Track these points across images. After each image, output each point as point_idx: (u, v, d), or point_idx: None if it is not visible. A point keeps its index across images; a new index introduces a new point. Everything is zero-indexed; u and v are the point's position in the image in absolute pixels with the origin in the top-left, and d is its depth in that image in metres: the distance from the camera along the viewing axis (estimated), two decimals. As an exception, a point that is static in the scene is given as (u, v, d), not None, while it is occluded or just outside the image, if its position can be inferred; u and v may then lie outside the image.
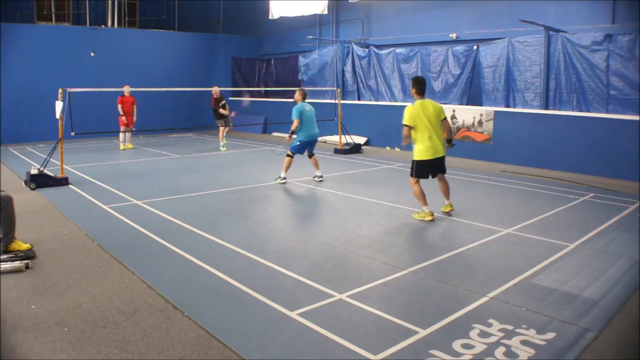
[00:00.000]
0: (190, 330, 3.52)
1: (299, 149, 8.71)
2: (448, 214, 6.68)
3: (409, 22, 14.79)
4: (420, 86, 6.44)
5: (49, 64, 15.21)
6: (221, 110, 13.39)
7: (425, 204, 6.40)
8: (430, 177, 6.56)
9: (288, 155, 8.69)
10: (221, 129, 13.57)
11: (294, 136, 8.62)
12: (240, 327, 3.57)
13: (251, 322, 3.64)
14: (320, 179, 8.91)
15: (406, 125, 6.31)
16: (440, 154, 6.43)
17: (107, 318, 3.68)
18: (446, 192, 6.72)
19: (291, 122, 8.55)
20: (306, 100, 8.77)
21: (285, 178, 8.73)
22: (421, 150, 6.34)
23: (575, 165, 10.29)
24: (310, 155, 8.93)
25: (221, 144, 13.48)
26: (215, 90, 13.41)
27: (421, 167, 6.43)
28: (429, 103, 6.38)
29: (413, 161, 6.48)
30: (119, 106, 13.00)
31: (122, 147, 13.23)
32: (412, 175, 6.50)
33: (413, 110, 6.30)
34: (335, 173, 9.55)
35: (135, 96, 13.39)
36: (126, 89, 12.93)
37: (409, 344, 3.32)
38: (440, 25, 13.93)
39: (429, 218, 6.35)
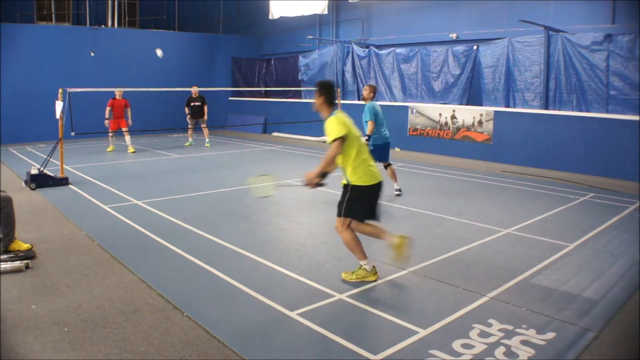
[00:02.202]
0: (190, 330, 3.52)
1: (375, 156, 6.80)
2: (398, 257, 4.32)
3: (409, 22, 14.79)
4: (330, 94, 4.30)
5: (49, 64, 15.20)
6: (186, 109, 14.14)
7: (364, 256, 4.33)
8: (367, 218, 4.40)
9: None
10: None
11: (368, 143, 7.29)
12: (240, 327, 3.57)
13: (251, 322, 3.64)
14: (398, 193, 7.80)
15: (339, 138, 4.10)
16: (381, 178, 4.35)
17: (107, 318, 3.68)
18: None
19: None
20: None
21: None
22: (363, 175, 4.26)
23: (575, 165, 10.30)
24: (387, 165, 7.73)
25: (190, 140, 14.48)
26: (194, 90, 13.99)
27: (363, 198, 4.28)
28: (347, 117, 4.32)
29: (348, 188, 4.32)
30: (108, 109, 12.37)
31: (110, 148, 12.87)
32: (341, 214, 4.32)
33: (343, 118, 4.22)
34: (336, 173, 9.54)
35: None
36: (118, 92, 12.45)
37: (409, 344, 3.32)
38: (440, 25, 13.92)
39: (372, 278, 4.31)
